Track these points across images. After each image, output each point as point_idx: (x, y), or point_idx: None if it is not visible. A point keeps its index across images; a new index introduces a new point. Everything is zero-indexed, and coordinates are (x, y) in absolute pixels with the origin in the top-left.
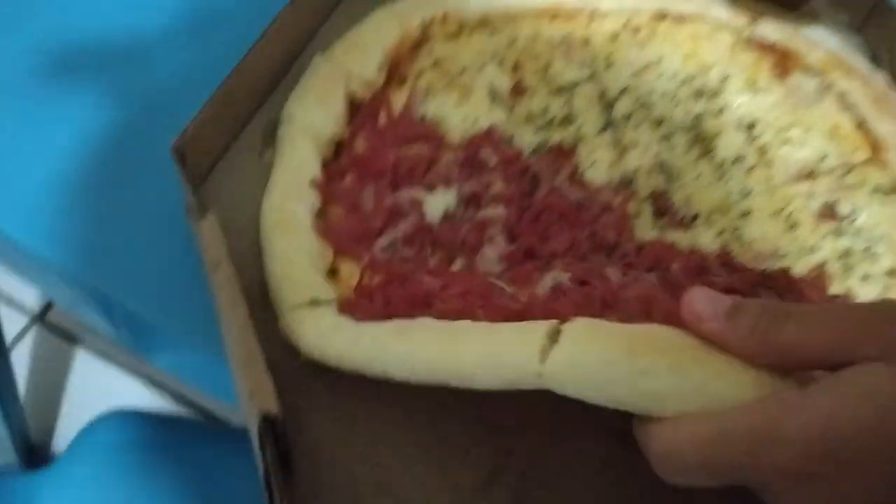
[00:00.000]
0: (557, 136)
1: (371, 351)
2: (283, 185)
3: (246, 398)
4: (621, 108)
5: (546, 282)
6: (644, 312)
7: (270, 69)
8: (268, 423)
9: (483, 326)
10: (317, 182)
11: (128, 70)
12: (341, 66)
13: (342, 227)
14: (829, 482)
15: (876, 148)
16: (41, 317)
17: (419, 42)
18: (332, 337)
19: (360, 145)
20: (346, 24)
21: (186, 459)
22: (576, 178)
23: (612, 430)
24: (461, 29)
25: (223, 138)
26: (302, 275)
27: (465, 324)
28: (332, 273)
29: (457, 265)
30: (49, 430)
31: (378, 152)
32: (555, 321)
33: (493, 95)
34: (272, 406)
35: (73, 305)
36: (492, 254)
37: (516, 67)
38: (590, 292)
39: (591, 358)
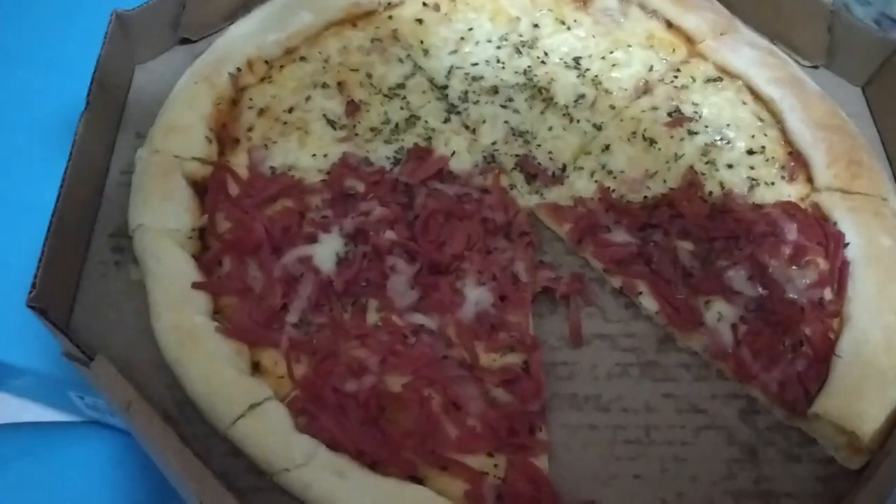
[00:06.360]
0: (409, 140)
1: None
2: (166, 301)
3: None
4: (455, 89)
5: (469, 308)
6: None
7: (93, 180)
8: None
9: None
10: (198, 282)
11: None
12: (168, 154)
13: (243, 318)
14: None
15: (691, 41)
16: None
17: (235, 97)
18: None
19: (223, 225)
20: (146, 102)
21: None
22: (444, 172)
23: None
24: (270, 68)
25: (72, 271)
26: (229, 385)
27: None
28: (255, 366)
29: (371, 309)
30: None
31: (244, 224)
32: None
33: (331, 123)
34: None
35: None
36: (399, 283)
37: (341, 86)
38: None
39: None
